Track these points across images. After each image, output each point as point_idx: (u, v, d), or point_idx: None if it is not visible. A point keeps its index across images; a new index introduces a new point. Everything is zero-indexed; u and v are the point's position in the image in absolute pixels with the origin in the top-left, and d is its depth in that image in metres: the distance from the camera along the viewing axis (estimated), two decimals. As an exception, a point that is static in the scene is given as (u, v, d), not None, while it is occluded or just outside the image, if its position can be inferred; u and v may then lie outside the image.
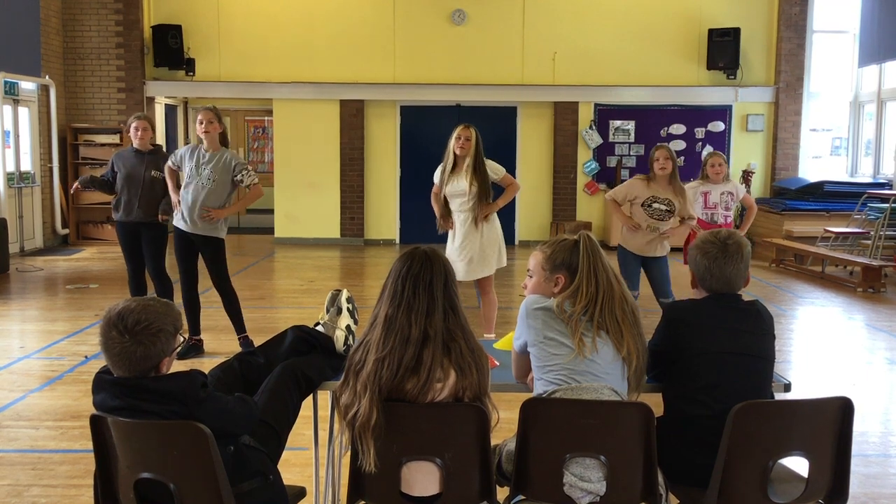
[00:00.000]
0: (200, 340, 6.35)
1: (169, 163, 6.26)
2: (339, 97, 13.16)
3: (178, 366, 2.48)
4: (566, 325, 2.72)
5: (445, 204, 6.09)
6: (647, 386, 2.96)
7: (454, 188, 5.99)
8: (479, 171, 5.98)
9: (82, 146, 12.88)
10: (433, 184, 6.23)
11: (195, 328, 6.32)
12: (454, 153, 5.97)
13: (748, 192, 7.15)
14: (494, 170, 6.10)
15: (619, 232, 12.43)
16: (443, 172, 6.05)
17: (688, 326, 2.87)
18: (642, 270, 6.42)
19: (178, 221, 6.13)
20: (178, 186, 6.22)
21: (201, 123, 6.10)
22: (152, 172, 6.46)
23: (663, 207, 6.23)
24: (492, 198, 6.06)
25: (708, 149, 13.28)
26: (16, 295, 8.85)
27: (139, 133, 6.51)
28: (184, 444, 2.38)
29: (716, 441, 2.58)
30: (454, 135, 5.98)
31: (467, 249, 6.04)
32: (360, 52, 13.10)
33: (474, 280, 6.20)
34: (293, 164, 13.29)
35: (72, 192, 6.71)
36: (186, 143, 14.91)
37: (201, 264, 6.27)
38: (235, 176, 6.11)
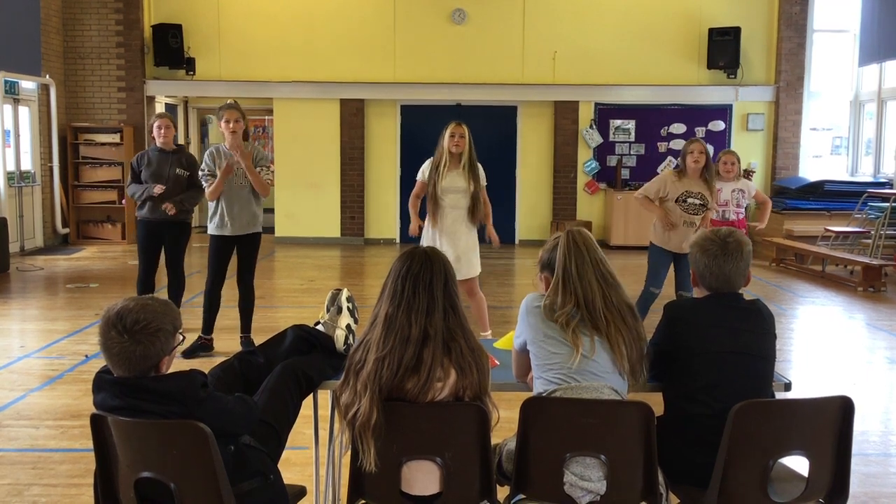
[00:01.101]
0: (210, 339, 6.36)
1: (203, 182, 6.12)
2: (339, 96, 13.17)
3: (180, 366, 2.48)
4: (556, 325, 2.71)
5: (434, 202, 6.00)
6: (648, 385, 2.96)
7: (450, 184, 5.93)
8: (475, 170, 5.97)
9: (83, 145, 12.88)
10: (416, 182, 6.15)
11: (210, 328, 6.33)
12: (449, 151, 5.95)
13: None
14: (482, 177, 6.06)
15: (620, 231, 12.61)
16: (435, 169, 5.99)
17: (688, 325, 2.86)
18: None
19: (221, 229, 6.08)
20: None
21: (228, 123, 5.96)
22: (177, 171, 6.50)
23: (697, 202, 6.22)
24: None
25: (709, 148, 13.27)
26: (16, 294, 8.85)
27: (162, 131, 6.57)
28: (184, 444, 2.38)
29: (716, 440, 2.58)
30: (447, 133, 5.95)
31: (454, 248, 5.92)
32: (361, 52, 13.10)
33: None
34: (293, 163, 13.29)
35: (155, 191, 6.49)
36: (187, 142, 14.92)
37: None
38: (259, 164, 6.16)
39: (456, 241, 5.98)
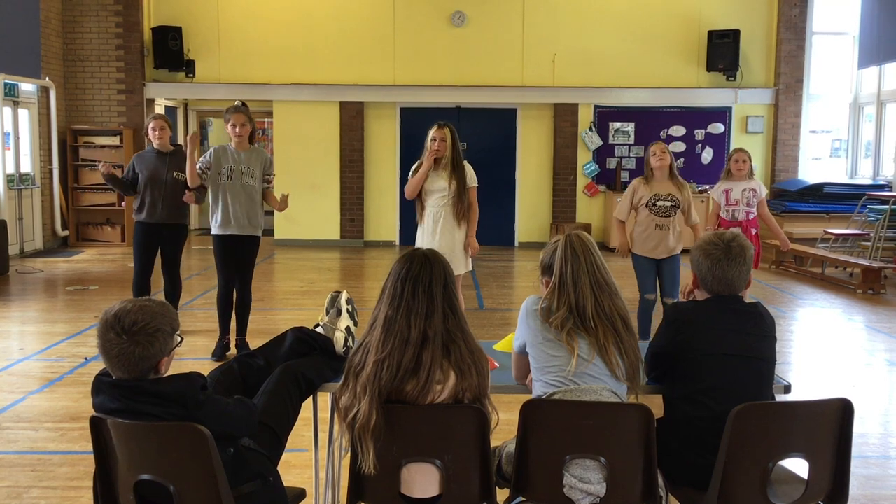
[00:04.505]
0: (228, 341, 6.35)
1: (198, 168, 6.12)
2: (338, 99, 13.17)
3: (181, 367, 2.48)
4: (552, 329, 2.71)
5: (420, 204, 6.00)
6: (648, 387, 2.96)
7: (432, 184, 5.91)
8: (457, 169, 5.92)
9: (82, 148, 12.87)
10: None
11: (226, 329, 6.33)
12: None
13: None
14: (471, 178, 5.99)
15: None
16: (415, 172, 5.99)
17: (689, 328, 2.86)
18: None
19: (219, 228, 6.08)
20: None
21: (234, 126, 5.99)
22: (175, 174, 6.47)
23: (668, 203, 6.19)
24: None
25: (708, 150, 13.32)
26: (15, 297, 8.84)
27: (157, 133, 6.51)
28: (183, 446, 2.38)
29: (716, 442, 2.58)
30: (430, 136, 5.94)
31: (439, 247, 5.78)
32: (360, 54, 13.11)
33: None
34: (293, 165, 13.28)
35: (101, 168, 6.46)
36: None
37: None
38: (267, 174, 6.16)
39: (441, 241, 5.95)
